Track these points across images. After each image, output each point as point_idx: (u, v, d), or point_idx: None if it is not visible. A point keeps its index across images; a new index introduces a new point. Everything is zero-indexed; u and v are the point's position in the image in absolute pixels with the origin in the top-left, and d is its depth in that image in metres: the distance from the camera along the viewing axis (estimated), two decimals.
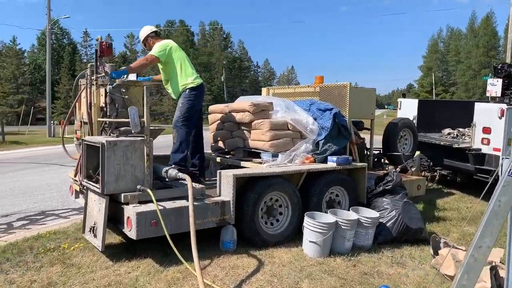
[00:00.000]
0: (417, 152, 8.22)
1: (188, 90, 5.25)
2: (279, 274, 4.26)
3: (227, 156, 6.13)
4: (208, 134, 6.65)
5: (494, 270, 4.04)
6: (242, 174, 4.79)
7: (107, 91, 4.75)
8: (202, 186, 4.81)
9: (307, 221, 4.83)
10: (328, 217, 4.99)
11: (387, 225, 5.40)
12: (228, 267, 4.35)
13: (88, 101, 4.96)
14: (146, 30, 5.51)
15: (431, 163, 8.76)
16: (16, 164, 13.44)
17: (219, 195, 4.81)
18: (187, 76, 5.27)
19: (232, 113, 6.02)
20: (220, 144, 6.31)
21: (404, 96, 10.24)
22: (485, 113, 7.58)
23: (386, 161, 7.68)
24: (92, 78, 4.93)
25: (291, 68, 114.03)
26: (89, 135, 5.02)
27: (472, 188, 8.65)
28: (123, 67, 5.24)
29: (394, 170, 6.05)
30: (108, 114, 4.82)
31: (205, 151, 6.07)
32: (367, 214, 5.31)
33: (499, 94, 9.07)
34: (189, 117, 5.23)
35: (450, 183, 9.28)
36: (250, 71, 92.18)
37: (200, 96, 5.39)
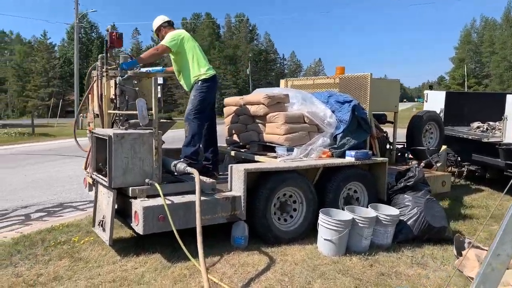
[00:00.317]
0: (444, 147, 7.85)
1: (200, 82, 5.11)
2: (290, 273, 4.09)
3: (242, 150, 5.97)
4: (223, 127, 6.51)
5: None
6: (253, 169, 4.63)
7: (117, 82, 4.66)
8: (213, 180, 4.67)
9: (322, 218, 4.63)
10: (345, 214, 4.77)
11: (408, 223, 5.14)
12: (237, 264, 4.21)
13: (99, 93, 4.89)
14: (159, 20, 5.38)
15: (459, 158, 8.37)
16: (42, 156, 13.71)
17: (230, 190, 4.66)
18: (199, 67, 5.13)
19: (247, 106, 5.85)
20: (235, 137, 6.16)
21: (431, 88, 9.80)
22: None
23: (410, 156, 7.36)
24: (103, 69, 4.84)
25: (318, 60, 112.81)
26: (101, 127, 4.95)
27: (502, 185, 8.22)
28: (134, 58, 5.13)
29: (416, 165, 5.75)
30: (118, 106, 4.73)
31: (220, 145, 5.94)
32: (387, 211, 5.06)
33: None
34: (201, 110, 5.09)
35: (479, 180, 8.85)
36: (276, 63, 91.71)
37: (213, 88, 5.23)
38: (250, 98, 5.91)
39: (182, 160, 4.69)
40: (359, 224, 4.71)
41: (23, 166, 11.37)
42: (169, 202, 4.09)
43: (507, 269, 2.99)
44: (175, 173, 4.53)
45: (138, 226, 4.01)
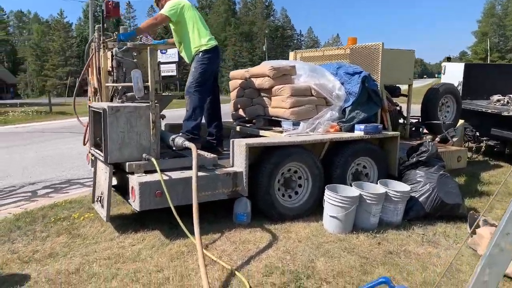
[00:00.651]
0: (461, 121, 7.50)
1: (201, 53, 4.89)
2: (293, 250, 3.93)
3: (248, 125, 5.78)
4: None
5: None
6: (255, 144, 4.44)
7: (113, 53, 4.48)
8: (214, 156, 4.50)
9: (327, 194, 4.44)
10: (352, 190, 4.57)
11: (420, 199, 4.91)
12: (238, 241, 4.07)
13: (97, 66, 4.72)
14: None
15: (477, 133, 8.01)
16: (56, 133, 13.77)
17: (232, 166, 4.49)
18: (200, 38, 4.90)
19: (252, 79, 5.62)
20: (241, 112, 5.96)
21: (449, 60, 9.36)
22: None
23: (425, 131, 7.05)
24: (100, 41, 4.66)
25: (336, 36, 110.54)
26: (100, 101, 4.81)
27: None
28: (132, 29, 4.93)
29: (430, 140, 5.47)
30: (115, 78, 4.56)
31: (226, 120, 5.75)
32: (397, 187, 4.83)
33: None
34: (202, 82, 4.88)
35: (498, 155, 8.48)
36: (293, 40, 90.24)
37: (215, 59, 5.01)
38: (255, 70, 5.67)
39: (181, 134, 4.52)
40: (367, 201, 4.51)
41: (35, 143, 11.42)
42: (167, 178, 3.95)
43: None
44: (174, 148, 4.37)
45: (135, 202, 3.88)
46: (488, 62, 55.97)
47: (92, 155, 4.64)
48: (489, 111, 7.75)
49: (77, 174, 7.51)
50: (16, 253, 3.76)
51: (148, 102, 4.11)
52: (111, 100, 4.77)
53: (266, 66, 5.35)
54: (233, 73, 6.23)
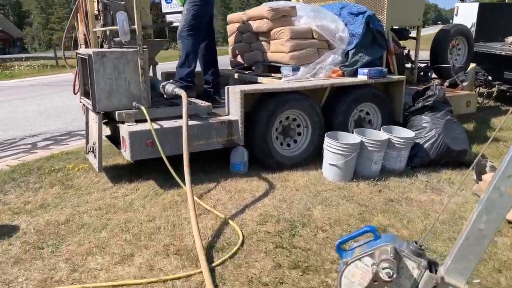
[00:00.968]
0: (472, 65, 7.13)
1: None
2: (289, 199, 3.82)
3: (246, 72, 5.53)
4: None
5: None
6: (251, 90, 4.22)
7: None
8: (208, 104, 4.31)
9: (327, 142, 4.27)
10: (353, 137, 4.39)
11: (425, 146, 4.72)
12: (234, 190, 3.97)
13: (84, 10, 4.46)
14: None
15: (489, 77, 7.64)
16: (60, 86, 13.63)
17: (228, 114, 4.31)
18: None
19: (250, 22, 5.31)
20: (239, 58, 5.69)
21: (462, 0, 8.80)
22: None
23: (434, 76, 6.74)
24: None
25: None
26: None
27: None
28: None
29: (437, 84, 5.19)
30: (102, 23, 4.31)
31: (224, 67, 5.51)
32: (401, 133, 4.63)
33: None
34: (195, 26, 4.60)
35: (510, 100, 8.15)
36: None
37: (209, 0, 4.69)
38: (253, 12, 5.34)
39: (172, 81, 4.32)
40: (369, 148, 4.33)
41: (38, 96, 11.31)
42: (158, 127, 3.80)
43: None
44: (165, 96, 4.19)
45: (126, 152, 3.77)
46: (506, 1, 53.43)
47: (84, 105, 4.49)
48: (503, 53, 7.35)
49: (78, 126, 7.41)
50: (8, 204, 3.71)
51: (136, 47, 3.88)
52: (101, 47, 4.54)
53: (264, 7, 5.03)
54: (230, 17, 5.90)
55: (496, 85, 7.67)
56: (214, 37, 5.08)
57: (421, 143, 4.72)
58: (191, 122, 3.91)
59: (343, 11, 5.21)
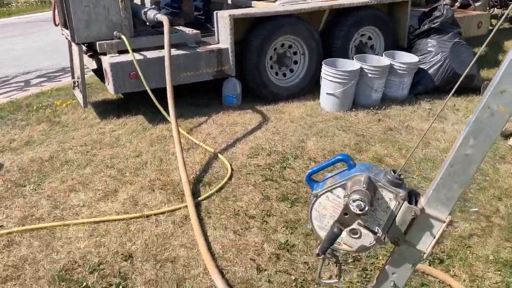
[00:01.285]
0: None
1: None
2: (283, 131, 3.66)
3: None
4: None
5: None
6: (241, 15, 3.91)
7: None
8: (196, 31, 4.03)
9: (324, 70, 4.02)
10: (352, 64, 4.12)
11: (429, 71, 4.44)
12: (225, 124, 3.81)
13: None
14: None
15: None
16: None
17: (217, 42, 4.04)
18: None
19: None
20: None
21: None
22: None
23: None
24: None
25: None
26: None
27: None
28: None
29: (445, 3, 4.79)
30: None
31: None
32: (404, 59, 4.34)
33: None
34: None
35: None
36: None
37: None
38: None
39: (154, 6, 4.02)
40: (369, 75, 4.08)
41: (34, 33, 10.95)
42: (141, 57, 3.58)
43: None
44: (148, 23, 3.91)
45: (109, 85, 3.58)
46: None
47: (66, 37, 4.24)
48: None
49: None
50: None
51: None
52: None
53: None
54: None
55: None
56: None
57: (425, 68, 4.44)
58: (177, 52, 3.68)
59: None
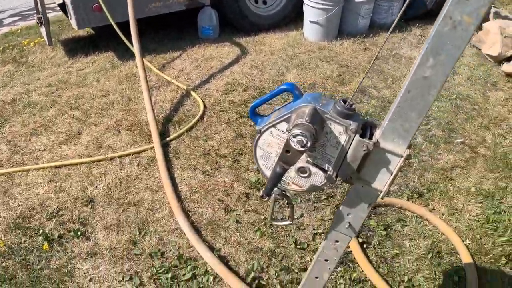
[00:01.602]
0: None
1: None
2: (262, 64, 3.43)
3: None
4: None
5: None
6: None
7: None
8: None
9: None
10: None
11: None
12: (201, 58, 3.57)
13: None
14: None
15: None
16: None
17: None
18: None
19: None
20: None
21: None
22: None
23: None
24: None
25: None
26: None
27: None
28: None
29: None
30: None
31: None
32: None
33: None
34: None
35: None
36: None
37: None
38: None
39: None
40: (355, 0, 3.77)
41: None
42: None
43: None
44: None
45: (72, 20, 3.31)
46: None
47: None
48: None
49: None
50: None
51: None
52: None
53: None
54: None
55: None
56: None
57: None
58: None
59: None
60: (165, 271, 1.82)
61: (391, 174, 1.11)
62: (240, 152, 2.49)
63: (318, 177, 1.17)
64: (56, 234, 1.97)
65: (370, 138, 1.09)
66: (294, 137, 1.02)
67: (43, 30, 3.87)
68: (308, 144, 1.02)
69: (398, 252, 1.99)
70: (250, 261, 1.90)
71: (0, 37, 4.58)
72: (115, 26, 3.18)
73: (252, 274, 1.83)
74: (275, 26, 4.04)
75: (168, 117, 2.80)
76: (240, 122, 2.74)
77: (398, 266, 1.93)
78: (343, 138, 1.08)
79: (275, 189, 1.29)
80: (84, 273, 1.82)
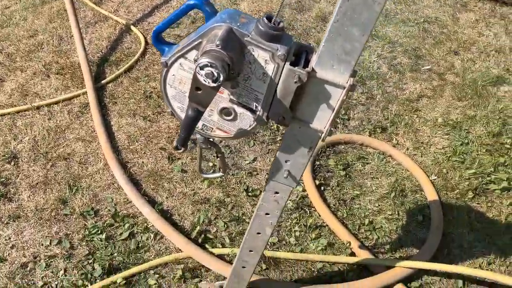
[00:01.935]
0: None
1: None
2: None
3: None
4: None
5: None
6: None
7: None
8: None
9: None
10: None
11: None
12: None
13: None
14: None
15: None
16: None
17: None
18: None
19: None
20: None
21: None
22: None
23: None
24: None
25: None
26: None
27: None
28: None
29: None
30: None
31: None
32: None
33: None
34: None
35: None
36: None
37: None
38: None
39: None
40: None
41: None
42: None
43: None
44: None
45: None
46: None
47: None
48: None
49: None
50: None
51: None
52: None
53: None
54: None
55: None
56: None
57: None
58: None
59: None
60: (99, 232, 1.62)
61: (333, 111, 0.88)
62: None
63: (246, 120, 0.94)
64: None
65: (306, 66, 0.85)
66: (202, 68, 0.77)
67: None
68: (221, 78, 0.77)
69: (358, 193, 1.83)
70: (196, 214, 1.72)
71: None
72: None
73: (198, 228, 1.65)
74: None
75: (105, 57, 2.48)
76: None
77: (358, 208, 1.78)
78: (270, 68, 0.84)
79: (199, 136, 1.06)
80: (6, 239, 1.60)
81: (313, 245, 1.63)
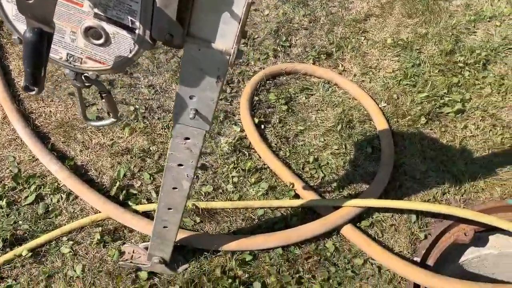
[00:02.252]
0: None
1: None
2: None
3: None
4: None
5: None
6: None
7: None
8: None
9: None
10: None
11: None
12: None
13: None
14: None
15: None
16: None
17: None
18: None
19: None
20: None
21: None
22: None
23: None
24: None
25: None
26: None
27: None
28: None
29: None
30: None
31: None
32: None
33: None
34: None
35: None
36: None
37: None
38: None
39: None
40: None
41: None
42: None
43: None
44: None
45: None
46: None
47: None
48: None
49: None
50: None
51: None
52: None
53: None
54: None
55: None
56: None
57: None
58: None
59: None
60: None
61: (239, 22, 0.64)
62: None
63: (123, 43, 0.68)
64: None
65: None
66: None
67: None
68: None
69: (302, 128, 1.63)
70: (116, 167, 1.48)
71: None
72: None
73: (118, 183, 1.42)
74: None
75: None
76: None
77: (302, 145, 1.59)
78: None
79: (67, 71, 0.79)
80: None
81: (253, 190, 1.44)
